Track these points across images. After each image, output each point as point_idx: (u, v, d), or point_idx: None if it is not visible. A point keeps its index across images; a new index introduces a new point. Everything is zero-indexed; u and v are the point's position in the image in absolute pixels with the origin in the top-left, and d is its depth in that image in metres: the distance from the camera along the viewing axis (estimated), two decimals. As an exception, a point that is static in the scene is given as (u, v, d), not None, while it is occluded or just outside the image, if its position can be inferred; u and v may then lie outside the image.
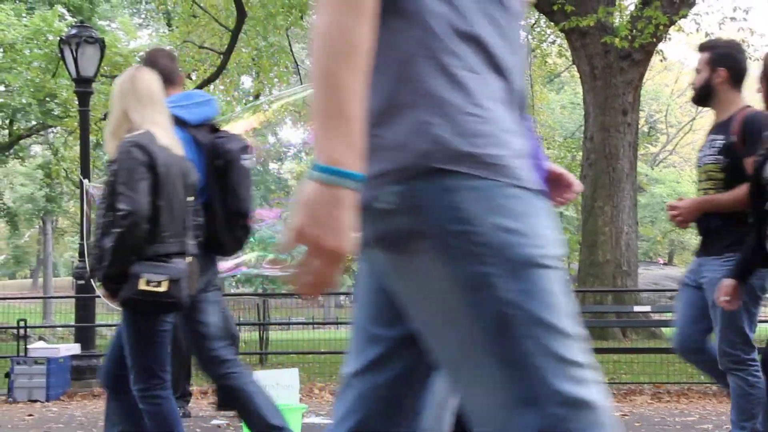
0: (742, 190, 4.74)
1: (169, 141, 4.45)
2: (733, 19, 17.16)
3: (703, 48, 5.13)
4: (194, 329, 4.86)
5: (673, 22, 16.67)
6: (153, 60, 5.16)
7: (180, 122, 4.76)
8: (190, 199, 4.50)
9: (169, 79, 5.00)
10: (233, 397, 4.78)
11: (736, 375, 4.89)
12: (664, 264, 45.67)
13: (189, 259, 4.44)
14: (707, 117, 47.17)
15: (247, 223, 4.96)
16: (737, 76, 4.99)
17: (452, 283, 1.66)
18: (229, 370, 4.84)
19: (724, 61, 4.96)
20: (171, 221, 4.35)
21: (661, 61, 19.46)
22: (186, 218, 4.46)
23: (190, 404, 9.56)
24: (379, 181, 1.68)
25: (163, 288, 4.27)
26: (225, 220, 4.85)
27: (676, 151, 48.04)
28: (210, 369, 4.94)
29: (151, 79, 4.57)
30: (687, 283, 5.19)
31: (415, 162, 1.65)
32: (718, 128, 5.03)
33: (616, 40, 15.92)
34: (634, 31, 16.27)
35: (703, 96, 5.09)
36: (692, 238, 43.79)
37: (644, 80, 19.31)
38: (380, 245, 1.73)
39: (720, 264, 4.88)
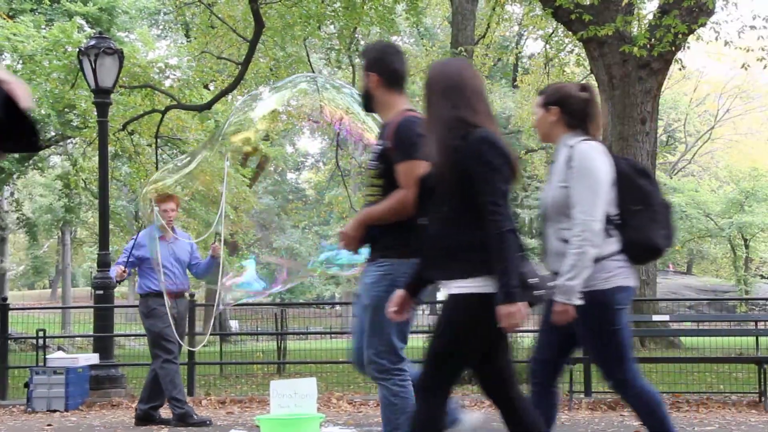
0: (393, 199, 4.68)
1: None
2: (752, 27, 17.06)
3: (360, 56, 5.14)
4: None
5: (691, 31, 16.59)
6: None
7: None
8: None
9: None
10: None
11: (382, 384, 4.80)
12: (676, 272, 45.50)
13: None
14: (727, 126, 47.05)
15: None
16: (390, 78, 4.93)
17: None
18: None
19: (374, 65, 4.94)
20: None
21: (680, 69, 19.35)
22: None
23: (209, 413, 9.57)
24: None
25: None
26: None
27: (695, 160, 47.88)
28: None
29: None
30: (362, 280, 5.09)
31: None
32: (380, 133, 4.98)
33: (635, 49, 15.87)
34: (653, 39, 16.22)
35: (367, 102, 5.05)
36: (711, 247, 43.63)
37: (663, 89, 19.24)
38: None
39: (374, 269, 4.82)
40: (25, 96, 2.02)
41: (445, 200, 4.13)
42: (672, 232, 4.94)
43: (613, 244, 4.74)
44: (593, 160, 4.72)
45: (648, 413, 4.85)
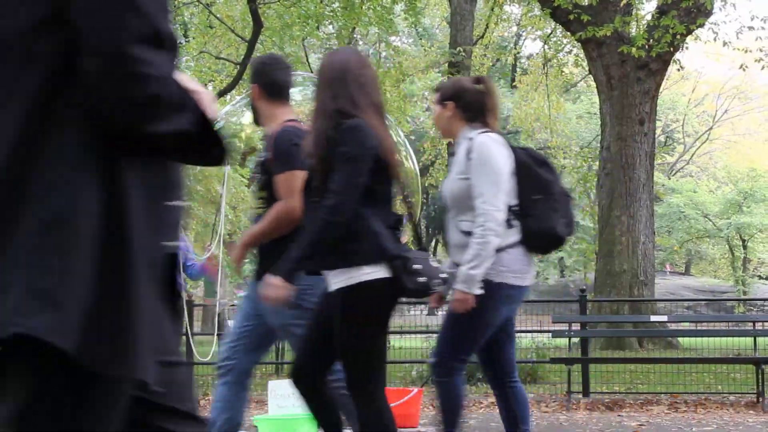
0: (273, 212, 4.61)
1: None
2: (750, 28, 17.09)
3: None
4: None
5: (690, 32, 16.62)
6: None
7: None
8: None
9: None
10: None
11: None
12: (674, 273, 45.52)
13: None
14: (725, 126, 47.07)
15: None
16: (270, 90, 4.87)
17: None
18: None
19: (255, 77, 4.92)
20: None
21: (678, 70, 19.38)
22: None
23: (206, 413, 9.57)
24: None
25: None
26: None
27: (693, 161, 47.88)
28: None
29: None
30: (249, 295, 4.96)
31: None
32: (265, 144, 4.94)
33: (633, 49, 15.90)
34: (651, 40, 16.24)
35: (254, 114, 5.02)
36: (709, 247, 43.65)
37: (661, 90, 19.27)
38: None
39: None
40: (212, 107, 1.96)
41: (317, 190, 4.10)
42: (572, 221, 4.95)
43: (514, 235, 4.75)
44: (492, 151, 4.74)
45: (448, 407, 4.82)
